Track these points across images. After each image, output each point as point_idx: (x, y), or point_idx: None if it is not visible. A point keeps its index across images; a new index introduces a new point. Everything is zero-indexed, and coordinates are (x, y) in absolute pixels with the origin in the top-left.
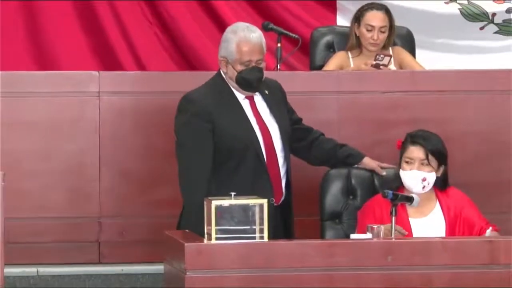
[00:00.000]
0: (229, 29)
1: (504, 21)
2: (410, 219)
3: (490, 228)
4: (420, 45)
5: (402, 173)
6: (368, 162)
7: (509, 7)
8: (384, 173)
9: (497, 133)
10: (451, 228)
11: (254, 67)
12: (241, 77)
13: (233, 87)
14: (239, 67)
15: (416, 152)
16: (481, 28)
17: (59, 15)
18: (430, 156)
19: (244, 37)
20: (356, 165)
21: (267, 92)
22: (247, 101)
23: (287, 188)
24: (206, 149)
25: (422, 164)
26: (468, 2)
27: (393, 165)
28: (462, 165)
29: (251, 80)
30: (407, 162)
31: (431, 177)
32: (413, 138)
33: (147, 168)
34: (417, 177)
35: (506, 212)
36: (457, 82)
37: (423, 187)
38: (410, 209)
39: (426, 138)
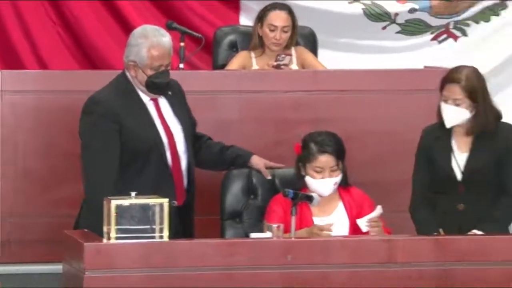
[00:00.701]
0: (137, 33)
1: (406, 21)
2: (313, 218)
3: (379, 206)
4: (322, 45)
5: (312, 181)
6: (255, 161)
7: (412, 7)
8: (269, 177)
9: (398, 133)
10: (355, 227)
11: (163, 71)
12: (151, 81)
13: (139, 88)
14: (149, 72)
15: (325, 160)
16: (384, 28)
17: None
18: (338, 161)
19: (157, 42)
20: (245, 166)
21: (170, 93)
22: (152, 102)
23: (190, 188)
24: (113, 150)
25: (332, 170)
26: (371, 2)
27: (280, 165)
28: (362, 164)
29: (161, 84)
30: (316, 171)
31: (340, 178)
32: (321, 147)
33: (48, 168)
34: (330, 183)
35: (404, 211)
36: (359, 82)
37: (334, 189)
38: (314, 208)
39: (331, 143)
